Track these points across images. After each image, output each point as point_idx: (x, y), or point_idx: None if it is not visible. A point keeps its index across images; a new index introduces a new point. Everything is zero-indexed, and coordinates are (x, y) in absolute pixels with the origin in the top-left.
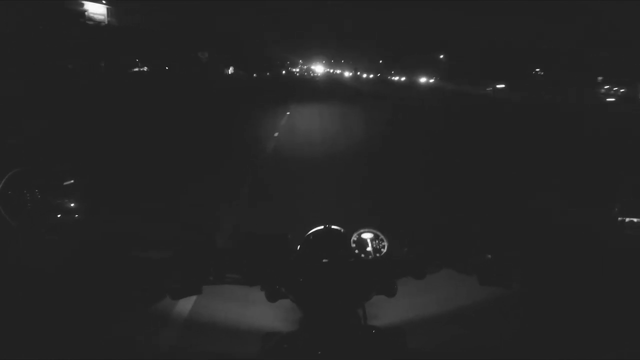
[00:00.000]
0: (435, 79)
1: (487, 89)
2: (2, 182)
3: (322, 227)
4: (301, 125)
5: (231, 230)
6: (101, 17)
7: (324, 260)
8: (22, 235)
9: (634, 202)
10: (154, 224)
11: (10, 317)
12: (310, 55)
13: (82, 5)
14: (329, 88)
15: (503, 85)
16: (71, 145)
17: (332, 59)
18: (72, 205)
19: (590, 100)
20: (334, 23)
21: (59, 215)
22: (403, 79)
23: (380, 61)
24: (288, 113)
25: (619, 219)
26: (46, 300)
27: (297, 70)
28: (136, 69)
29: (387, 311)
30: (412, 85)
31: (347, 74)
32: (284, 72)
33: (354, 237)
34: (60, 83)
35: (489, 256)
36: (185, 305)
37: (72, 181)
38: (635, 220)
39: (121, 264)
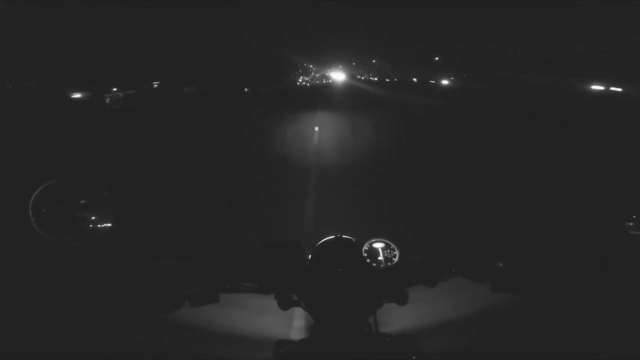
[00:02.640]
0: None
1: None
2: (34, 194)
3: (333, 236)
4: None
5: (249, 239)
6: None
7: (336, 270)
8: (49, 245)
9: None
10: (174, 232)
11: (13, 318)
12: (326, 58)
13: None
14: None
15: None
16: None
17: (353, 60)
18: (98, 214)
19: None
20: (355, 17)
21: (85, 225)
22: None
23: (437, 58)
24: None
25: (631, 224)
26: (57, 305)
27: (308, 79)
28: None
29: (398, 318)
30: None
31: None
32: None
33: (365, 247)
34: None
35: (500, 264)
36: (197, 313)
37: (101, 192)
38: None
39: (141, 272)
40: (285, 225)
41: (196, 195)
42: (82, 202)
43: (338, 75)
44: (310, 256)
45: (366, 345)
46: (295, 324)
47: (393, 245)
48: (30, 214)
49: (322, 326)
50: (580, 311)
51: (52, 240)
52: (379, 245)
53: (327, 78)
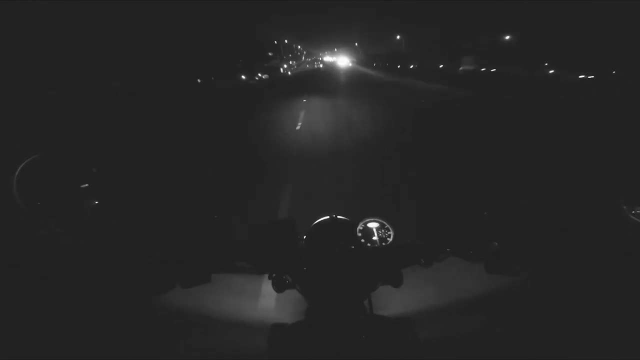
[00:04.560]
0: None
1: None
2: (19, 168)
3: (327, 217)
4: None
5: (242, 221)
6: None
7: (330, 250)
8: (34, 226)
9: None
10: (166, 223)
11: (10, 317)
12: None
13: None
14: None
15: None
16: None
17: (355, 40)
18: (88, 201)
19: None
20: None
21: (73, 211)
22: None
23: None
24: None
25: (624, 207)
26: (48, 299)
27: (294, 65)
28: None
29: (393, 301)
30: None
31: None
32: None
33: (360, 227)
34: None
35: (496, 244)
36: (191, 297)
37: (90, 169)
38: None
39: (132, 259)
40: (279, 207)
41: (187, 184)
42: (67, 182)
43: (341, 60)
44: (305, 236)
45: (361, 328)
46: (290, 308)
47: (387, 225)
48: (15, 190)
49: (317, 309)
50: (577, 295)
51: (43, 232)
52: (373, 225)
53: (321, 63)
